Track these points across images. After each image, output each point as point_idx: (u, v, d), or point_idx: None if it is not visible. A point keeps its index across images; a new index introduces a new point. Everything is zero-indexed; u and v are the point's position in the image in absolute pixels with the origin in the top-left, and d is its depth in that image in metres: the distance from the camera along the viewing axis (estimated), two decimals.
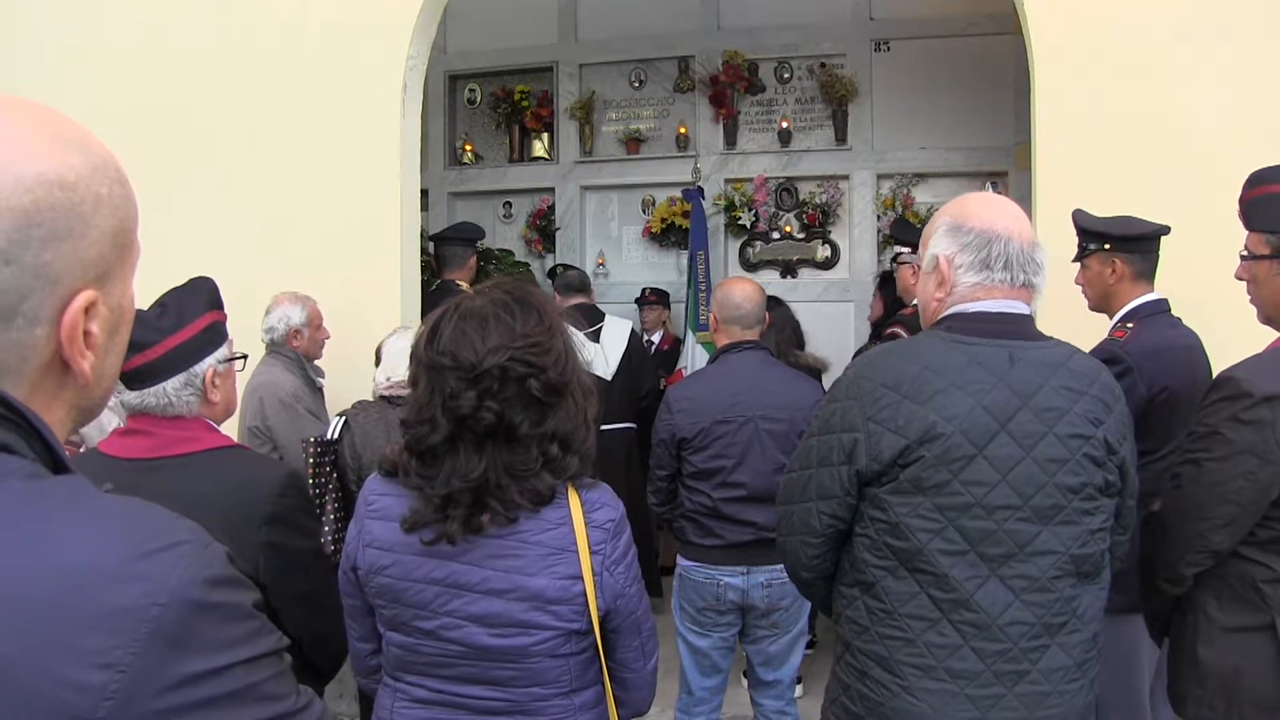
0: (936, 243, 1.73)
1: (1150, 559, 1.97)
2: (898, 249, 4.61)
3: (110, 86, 4.04)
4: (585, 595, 1.51)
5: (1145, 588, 2.04)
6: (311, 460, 2.82)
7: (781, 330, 3.79)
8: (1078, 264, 2.72)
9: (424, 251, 4.89)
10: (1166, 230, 2.63)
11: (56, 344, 0.70)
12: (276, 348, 3.49)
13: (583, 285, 4.97)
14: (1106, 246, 2.63)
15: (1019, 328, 1.67)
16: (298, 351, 3.50)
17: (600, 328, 4.81)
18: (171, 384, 1.73)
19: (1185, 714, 1.90)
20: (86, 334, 0.72)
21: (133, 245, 0.77)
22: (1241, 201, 2.05)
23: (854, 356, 4.94)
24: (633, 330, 4.95)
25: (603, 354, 4.75)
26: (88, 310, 0.71)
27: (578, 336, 5.22)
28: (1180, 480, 1.89)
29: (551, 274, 6.09)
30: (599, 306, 5.08)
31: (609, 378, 4.73)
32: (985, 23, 5.61)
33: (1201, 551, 1.84)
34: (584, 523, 1.53)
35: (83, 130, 0.73)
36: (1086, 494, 1.60)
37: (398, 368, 2.90)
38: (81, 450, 1.96)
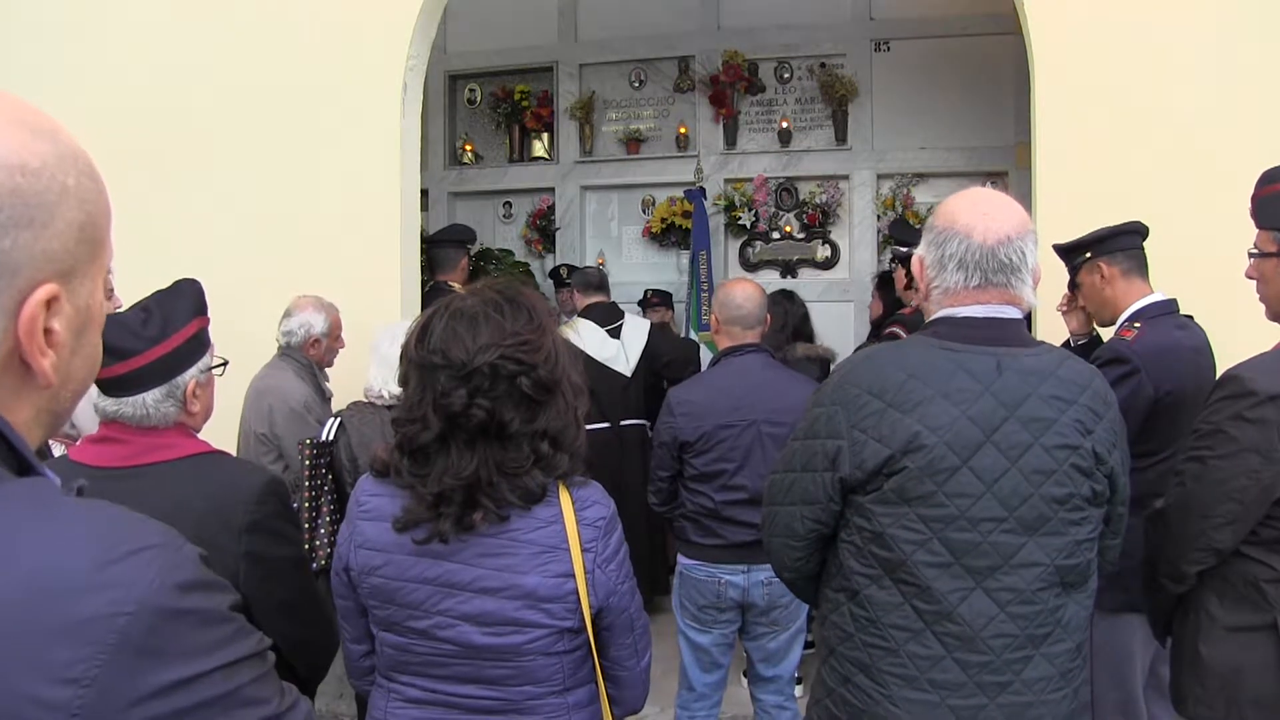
0: (921, 242, 1.71)
1: (1154, 557, 1.96)
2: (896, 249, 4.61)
3: (109, 87, 4.04)
4: (577, 593, 1.52)
5: (1148, 586, 2.03)
6: (308, 462, 2.81)
7: (781, 329, 3.80)
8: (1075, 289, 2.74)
9: (424, 252, 4.89)
10: (1141, 227, 2.63)
11: (14, 340, 0.66)
12: (291, 351, 3.40)
13: (601, 283, 4.96)
14: (1088, 255, 2.65)
15: (1007, 333, 1.62)
16: (311, 359, 3.43)
17: (620, 325, 4.81)
18: (152, 395, 1.66)
19: (1185, 712, 1.90)
20: (48, 331, 0.67)
21: (103, 244, 0.72)
22: (1252, 200, 2.05)
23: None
24: (651, 326, 4.96)
25: (623, 351, 4.75)
26: (49, 305, 0.67)
27: (598, 334, 5.19)
28: (1184, 478, 1.89)
29: (553, 274, 6.09)
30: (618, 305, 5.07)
31: (629, 374, 4.74)
32: (985, 23, 5.61)
33: (1204, 549, 1.84)
34: (575, 520, 1.53)
35: (54, 122, 0.69)
36: (1073, 505, 1.58)
37: (374, 378, 2.88)
38: (77, 443, 1.91)
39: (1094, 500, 1.61)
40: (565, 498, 1.54)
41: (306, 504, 2.80)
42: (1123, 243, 2.62)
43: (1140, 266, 2.63)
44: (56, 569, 0.59)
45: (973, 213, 1.62)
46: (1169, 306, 2.59)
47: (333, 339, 3.50)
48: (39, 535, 0.61)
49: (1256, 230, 2.02)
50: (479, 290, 1.57)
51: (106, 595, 0.59)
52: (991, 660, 1.54)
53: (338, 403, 3.19)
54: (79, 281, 0.70)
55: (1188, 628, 1.92)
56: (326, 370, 3.59)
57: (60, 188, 0.67)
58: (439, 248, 4.71)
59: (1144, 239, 2.66)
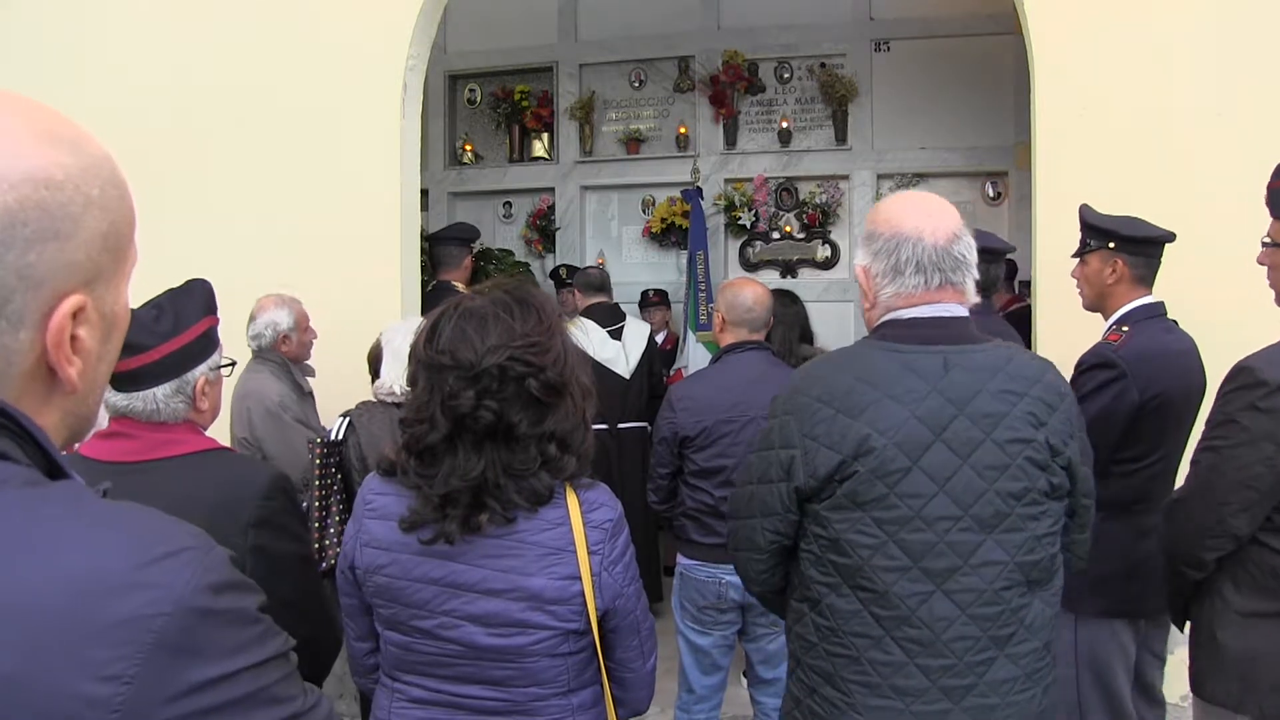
0: (857, 254, 1.71)
1: (1172, 544, 1.99)
2: None
3: (109, 86, 4.04)
4: (583, 595, 1.52)
5: (1168, 573, 2.06)
6: (318, 461, 2.81)
7: (791, 329, 3.81)
8: (1077, 259, 2.71)
9: (424, 252, 4.89)
10: (1172, 237, 2.62)
11: (42, 349, 0.68)
12: (264, 353, 3.40)
13: (603, 284, 4.97)
14: (1111, 245, 2.59)
15: (953, 331, 1.62)
16: (285, 356, 3.42)
17: (622, 326, 4.80)
18: (162, 390, 1.68)
19: (1203, 695, 1.93)
20: (74, 339, 0.69)
21: (127, 250, 0.74)
22: (1267, 189, 2.06)
23: None
24: (650, 335, 4.95)
25: (624, 353, 4.74)
26: (75, 315, 0.69)
27: (598, 334, 5.17)
28: (1200, 467, 1.93)
29: (554, 274, 6.09)
30: (620, 306, 5.08)
31: (628, 376, 4.72)
32: (985, 23, 5.61)
33: (1221, 535, 1.87)
34: (582, 523, 1.53)
35: (78, 129, 0.70)
36: (1030, 499, 1.57)
37: (386, 374, 2.88)
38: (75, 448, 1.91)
39: (1052, 493, 1.60)
40: (572, 500, 1.54)
41: (316, 503, 2.81)
42: (1149, 249, 2.59)
43: (1152, 274, 2.61)
44: (95, 571, 0.61)
45: (917, 215, 1.63)
46: (1156, 310, 2.58)
47: (301, 331, 3.48)
48: (76, 538, 0.63)
49: (1270, 220, 2.04)
50: (488, 291, 1.57)
51: (144, 596, 0.61)
52: (954, 664, 1.53)
53: (343, 402, 3.17)
54: (104, 289, 0.72)
55: (1204, 613, 1.95)
56: (310, 364, 3.56)
57: (84, 199, 0.68)
58: (442, 245, 4.67)
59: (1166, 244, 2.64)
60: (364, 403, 2.96)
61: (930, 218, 1.62)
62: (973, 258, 1.64)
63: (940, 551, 1.53)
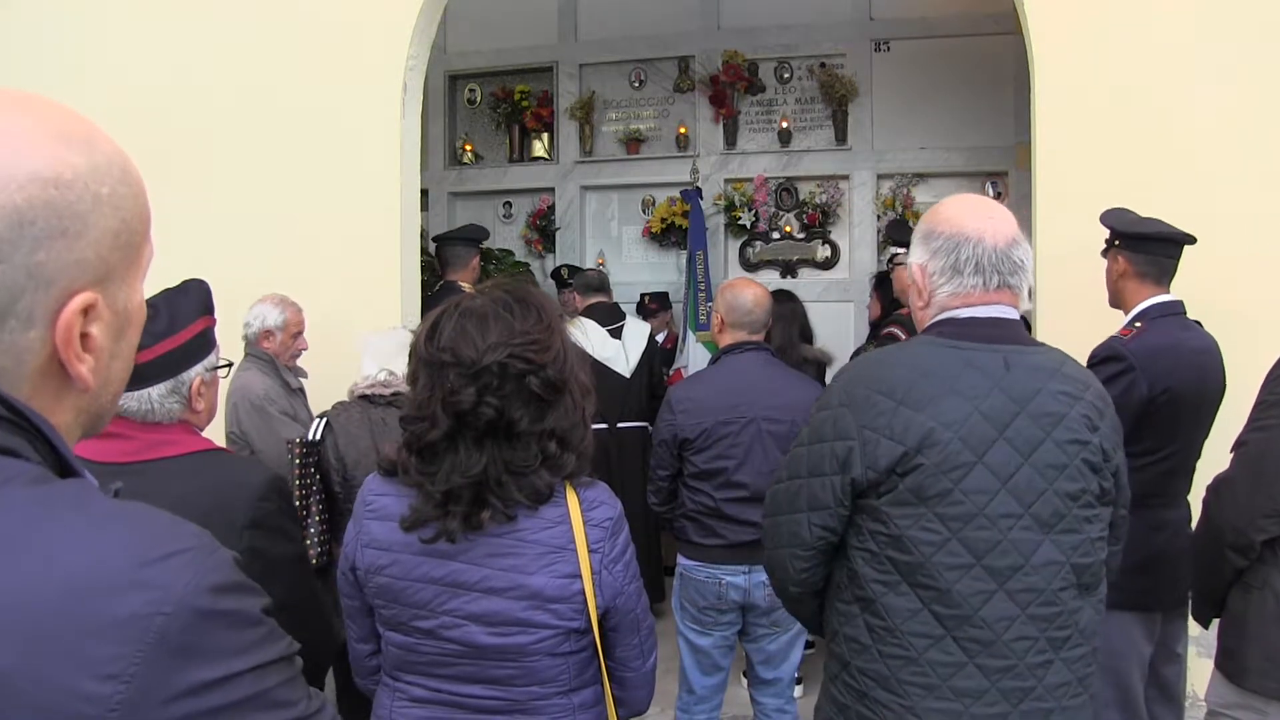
0: (913, 251, 1.70)
1: (1218, 527, 1.98)
2: (894, 250, 4.62)
3: (108, 86, 4.03)
4: (584, 593, 1.52)
5: (1205, 563, 2.05)
6: (298, 462, 2.81)
7: (790, 325, 3.81)
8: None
9: (424, 252, 4.89)
10: (1182, 236, 2.60)
11: (53, 347, 0.68)
12: (252, 348, 3.44)
13: (601, 285, 4.99)
14: (1116, 243, 2.64)
15: (1009, 332, 1.63)
16: (267, 352, 3.44)
17: (621, 326, 4.80)
18: (157, 390, 1.67)
19: (1247, 684, 1.93)
20: (86, 337, 0.70)
21: (140, 247, 0.75)
22: None
23: (852, 357, 4.97)
24: (650, 335, 4.95)
25: (624, 352, 4.74)
26: (86, 312, 0.69)
27: (598, 333, 5.18)
28: (1249, 446, 1.93)
29: (555, 274, 6.09)
30: (620, 306, 5.08)
31: (628, 376, 4.72)
32: (985, 23, 5.61)
33: (1270, 515, 1.87)
34: (582, 521, 1.53)
35: (90, 128, 0.71)
36: (1085, 501, 1.57)
37: (367, 366, 2.93)
38: None
39: (1102, 498, 1.61)
40: (572, 498, 1.54)
41: (297, 504, 2.81)
42: (1153, 248, 2.60)
43: (1161, 273, 2.61)
44: (96, 569, 0.61)
45: (978, 217, 1.64)
46: (1174, 308, 2.59)
47: (289, 335, 3.48)
48: (80, 536, 0.63)
49: None
50: (488, 290, 1.58)
51: (145, 595, 0.61)
52: (1014, 665, 1.52)
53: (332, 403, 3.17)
54: (116, 286, 0.72)
55: (1250, 604, 1.95)
56: (301, 366, 3.57)
57: (93, 197, 0.69)
58: (450, 246, 4.70)
59: (1183, 246, 2.62)
60: (340, 403, 2.96)
61: (991, 220, 1.63)
62: (1029, 264, 1.65)
63: (1004, 549, 1.52)
